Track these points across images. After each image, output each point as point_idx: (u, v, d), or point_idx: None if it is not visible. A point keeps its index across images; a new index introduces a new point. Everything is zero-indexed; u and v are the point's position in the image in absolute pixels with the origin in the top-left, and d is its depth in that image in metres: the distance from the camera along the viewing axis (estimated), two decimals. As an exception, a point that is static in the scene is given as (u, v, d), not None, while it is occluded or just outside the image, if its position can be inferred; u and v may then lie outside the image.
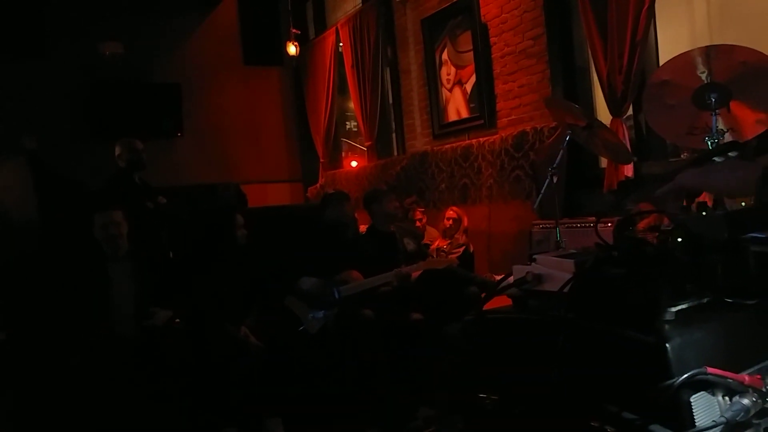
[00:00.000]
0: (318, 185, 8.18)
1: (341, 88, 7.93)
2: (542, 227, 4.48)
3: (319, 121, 8.15)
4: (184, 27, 8.08)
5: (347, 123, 8.69)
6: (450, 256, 5.30)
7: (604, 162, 4.63)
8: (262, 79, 8.72)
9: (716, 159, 1.02)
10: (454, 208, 5.52)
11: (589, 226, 4.05)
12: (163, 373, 3.22)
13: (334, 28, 7.76)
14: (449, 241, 5.43)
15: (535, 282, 1.15)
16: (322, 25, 8.48)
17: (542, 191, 3.54)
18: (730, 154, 1.02)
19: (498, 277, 1.26)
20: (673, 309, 0.92)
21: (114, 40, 7.47)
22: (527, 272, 1.17)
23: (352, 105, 7.71)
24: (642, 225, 3.81)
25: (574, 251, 1.23)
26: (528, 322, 1.10)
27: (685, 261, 0.99)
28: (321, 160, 8.27)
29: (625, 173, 4.39)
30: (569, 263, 1.10)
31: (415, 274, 3.95)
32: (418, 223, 5.68)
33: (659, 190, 1.05)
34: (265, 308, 3.88)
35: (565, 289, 1.04)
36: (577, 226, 4.14)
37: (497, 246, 5.52)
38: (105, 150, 5.57)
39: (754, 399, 0.86)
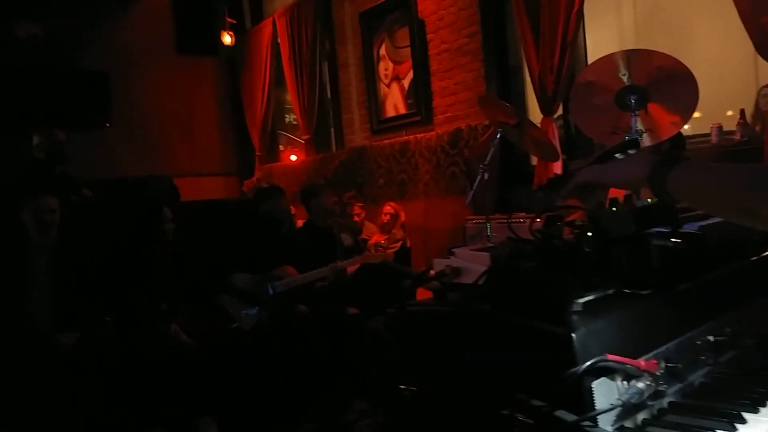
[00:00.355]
0: (254, 179, 8.07)
1: (279, 80, 7.84)
2: (476, 222, 4.58)
3: (256, 113, 8.04)
4: (112, 13, 7.77)
5: (286, 116, 8.59)
6: (387, 251, 5.36)
7: (535, 159, 4.76)
8: (196, 68, 8.51)
9: (617, 156, 1.08)
10: (392, 203, 5.57)
11: (520, 222, 4.15)
12: (87, 372, 3.11)
13: (271, 18, 7.66)
14: (387, 236, 5.47)
15: (453, 275, 1.18)
16: (259, 15, 8.35)
17: (474, 187, 3.61)
18: (629, 151, 1.07)
19: (432, 272, 1.28)
20: (581, 300, 0.97)
21: (31, 20, 7.06)
22: (446, 265, 1.20)
23: (290, 97, 7.64)
24: (569, 219, 3.96)
25: (493, 245, 1.26)
26: (445, 314, 1.13)
27: (593, 254, 1.04)
28: (257, 154, 8.16)
29: (555, 170, 4.54)
30: (485, 256, 1.13)
31: (351, 269, 3.96)
32: (356, 218, 5.70)
33: (563, 188, 1.10)
34: (196, 305, 3.80)
35: (480, 282, 1.07)
36: (508, 222, 4.24)
37: (433, 241, 5.60)
38: (22, 141, 5.27)
39: (648, 382, 0.91)
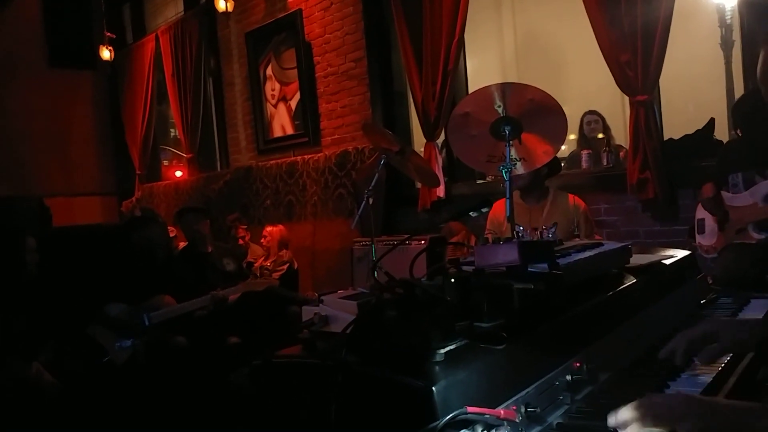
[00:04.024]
0: (134, 199, 7.67)
1: (163, 95, 7.53)
2: (363, 244, 4.59)
3: (136, 131, 7.66)
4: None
5: (172, 130, 8.24)
6: (274, 275, 5.25)
7: (419, 183, 4.86)
8: (72, 83, 8.00)
9: (471, 213, 1.11)
10: (270, 226, 5.46)
11: (406, 244, 4.21)
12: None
13: (154, 34, 7.36)
14: (274, 259, 5.36)
15: (321, 323, 1.16)
16: (141, 31, 8.01)
17: (359, 212, 3.62)
18: (483, 210, 1.11)
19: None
20: (442, 351, 0.97)
21: None
22: (315, 313, 1.17)
23: (173, 114, 7.35)
24: (453, 240, 4.07)
25: (363, 290, 1.25)
26: (308, 366, 1.10)
27: (456, 302, 1.05)
28: (138, 172, 7.77)
29: (438, 194, 4.66)
30: (352, 305, 1.12)
31: (233, 297, 3.83)
32: (240, 241, 5.54)
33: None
34: (63, 339, 3.52)
35: (348, 332, 1.05)
36: (393, 244, 4.29)
37: (321, 263, 5.56)
38: None
39: (507, 430, 0.93)
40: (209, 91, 6.89)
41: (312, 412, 1.04)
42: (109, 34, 7.52)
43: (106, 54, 7.60)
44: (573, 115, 5.16)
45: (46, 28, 7.70)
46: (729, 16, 4.89)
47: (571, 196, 3.28)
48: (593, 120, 5.00)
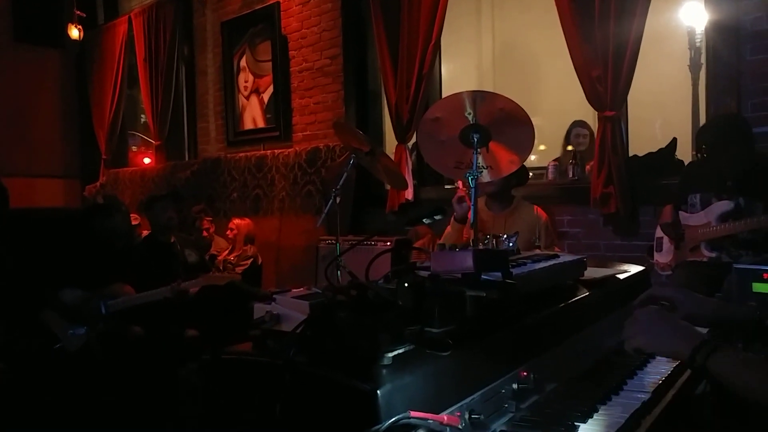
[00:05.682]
0: (98, 184, 7.51)
1: (134, 79, 7.39)
2: (328, 243, 4.58)
3: (104, 114, 7.51)
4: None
5: (142, 116, 8.08)
6: (237, 269, 5.20)
7: (388, 184, 4.87)
8: (37, 60, 7.78)
9: (425, 220, 1.12)
10: (237, 219, 5.41)
11: (371, 244, 4.22)
12: None
13: (127, 16, 7.23)
14: (238, 253, 5.31)
15: (273, 322, 1.16)
16: (113, 11, 7.85)
17: (326, 210, 3.62)
18: (436, 217, 1.13)
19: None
20: (390, 354, 0.97)
21: None
22: (266, 312, 1.17)
23: (143, 100, 7.22)
24: (419, 245, 4.09)
25: (318, 291, 1.25)
26: (257, 363, 1.09)
27: (408, 306, 1.06)
28: (103, 157, 7.62)
29: (406, 196, 4.67)
30: (304, 304, 1.12)
31: (193, 290, 3.77)
32: (204, 233, 5.48)
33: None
34: (14, 324, 3.43)
35: (298, 331, 1.05)
36: (360, 244, 4.29)
37: (286, 259, 5.53)
38: None
39: (449, 436, 0.94)
40: (181, 79, 6.79)
41: (259, 409, 1.04)
42: (79, 12, 7.34)
43: (74, 33, 7.41)
44: (545, 126, 5.22)
45: (13, 0, 7.48)
46: (699, 39, 5.00)
47: (535, 207, 3.33)
48: (582, 134, 4.93)
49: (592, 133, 5.00)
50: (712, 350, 1.15)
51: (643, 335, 1.27)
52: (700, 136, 3.35)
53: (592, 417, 1.20)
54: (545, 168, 4.82)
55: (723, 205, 3.05)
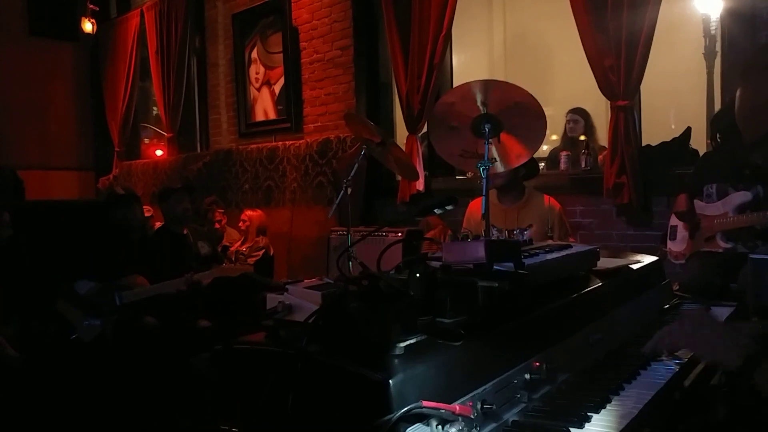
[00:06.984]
0: (111, 176, 7.57)
1: (146, 72, 7.42)
2: (340, 234, 4.59)
3: (117, 107, 7.56)
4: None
5: (154, 108, 8.12)
6: (249, 260, 5.22)
7: (399, 175, 4.86)
8: (52, 54, 7.85)
9: (436, 211, 1.12)
10: (249, 211, 5.43)
11: (382, 235, 4.22)
12: None
13: (139, 9, 7.25)
14: (250, 244, 5.33)
15: (285, 312, 1.16)
16: (125, 5, 7.88)
17: (338, 201, 3.62)
18: (447, 207, 1.12)
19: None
20: (402, 344, 0.98)
21: None
22: (279, 302, 1.17)
23: (155, 92, 7.25)
24: (430, 235, 4.09)
25: (330, 281, 1.25)
26: (270, 353, 1.10)
27: (419, 296, 1.06)
28: (116, 149, 7.67)
29: (417, 187, 4.67)
30: (317, 295, 1.12)
31: (206, 281, 3.80)
32: (216, 225, 5.51)
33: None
34: (30, 314, 3.47)
35: (310, 321, 1.06)
36: (371, 235, 4.30)
37: (298, 250, 5.55)
38: None
39: (460, 427, 0.94)
40: (193, 71, 6.81)
41: (271, 399, 1.05)
42: (92, 6, 7.38)
43: (88, 26, 7.47)
44: (557, 116, 5.19)
45: (28, -5, 7.54)
46: (714, 27, 4.93)
47: (546, 197, 3.30)
48: (574, 119, 4.99)
49: (586, 119, 4.99)
50: (759, 360, 1.08)
51: (688, 337, 1.22)
52: (714, 124, 3.30)
53: (604, 407, 1.19)
54: (546, 158, 4.82)
55: (741, 196, 3.01)
